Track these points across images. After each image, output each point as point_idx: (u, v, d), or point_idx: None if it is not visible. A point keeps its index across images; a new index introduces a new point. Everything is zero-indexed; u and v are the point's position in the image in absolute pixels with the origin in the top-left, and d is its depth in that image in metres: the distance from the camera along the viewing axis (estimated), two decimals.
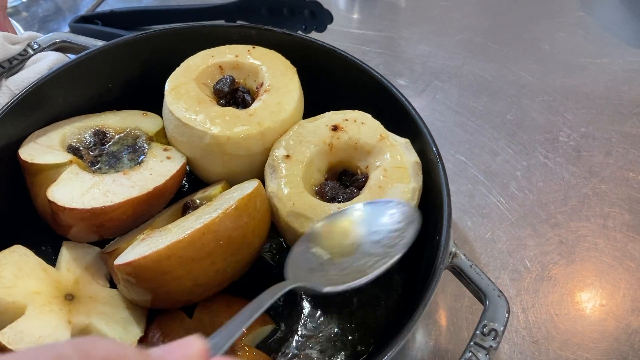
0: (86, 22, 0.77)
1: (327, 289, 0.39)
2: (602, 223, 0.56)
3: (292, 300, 0.49)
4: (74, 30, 0.77)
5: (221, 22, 0.75)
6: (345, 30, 0.80)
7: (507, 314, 0.40)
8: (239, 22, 0.57)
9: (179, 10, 0.79)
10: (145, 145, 0.53)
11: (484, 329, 0.39)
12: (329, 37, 0.61)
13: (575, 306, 0.51)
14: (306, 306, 0.49)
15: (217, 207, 0.45)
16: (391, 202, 0.44)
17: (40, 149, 0.51)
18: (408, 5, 0.85)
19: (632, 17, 0.78)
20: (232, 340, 0.31)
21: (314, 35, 0.69)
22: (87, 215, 0.46)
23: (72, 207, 0.45)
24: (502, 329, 0.39)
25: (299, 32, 0.73)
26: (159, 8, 0.80)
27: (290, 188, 0.47)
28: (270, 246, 0.53)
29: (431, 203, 0.46)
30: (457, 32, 0.79)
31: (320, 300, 0.49)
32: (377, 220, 0.43)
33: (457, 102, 0.69)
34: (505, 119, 0.66)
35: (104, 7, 0.90)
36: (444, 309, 0.51)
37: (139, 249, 0.43)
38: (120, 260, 0.43)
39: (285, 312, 0.49)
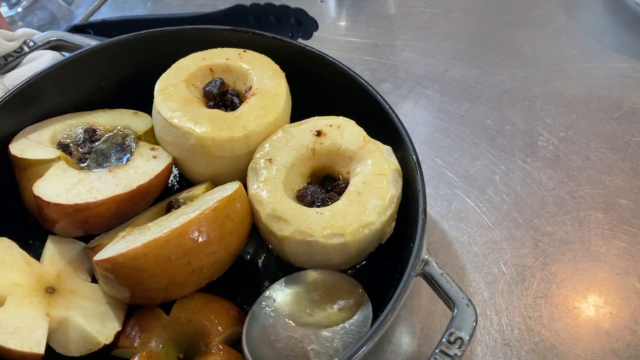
0: (78, 32, 0.73)
1: None
2: (577, 227, 0.53)
3: None
4: None
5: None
6: (332, 38, 0.76)
7: (474, 323, 0.37)
8: (230, 27, 0.54)
9: (169, 19, 0.75)
10: (133, 144, 0.50)
11: (450, 337, 0.36)
12: (316, 44, 0.57)
13: (547, 309, 0.48)
14: None
15: (196, 207, 0.41)
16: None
17: (31, 145, 0.48)
18: (394, 13, 0.80)
19: (614, 23, 0.74)
20: None
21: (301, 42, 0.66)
22: (71, 211, 0.43)
23: (56, 202, 0.42)
24: (467, 338, 0.36)
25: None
26: (149, 17, 0.76)
27: (270, 191, 0.44)
28: (250, 246, 0.49)
29: (410, 210, 0.43)
30: (441, 38, 0.75)
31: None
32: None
33: (439, 108, 0.65)
34: (486, 124, 0.62)
35: (97, 17, 0.87)
36: (419, 312, 0.47)
37: (118, 245, 0.40)
38: (99, 256, 0.40)
39: None
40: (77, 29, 0.75)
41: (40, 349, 0.38)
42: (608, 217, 0.53)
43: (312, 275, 0.43)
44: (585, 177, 0.56)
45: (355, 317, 0.40)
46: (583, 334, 0.46)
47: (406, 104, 0.65)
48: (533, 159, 0.58)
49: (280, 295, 0.42)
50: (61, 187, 0.44)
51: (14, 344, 0.37)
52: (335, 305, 0.42)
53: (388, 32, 0.77)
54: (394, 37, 0.76)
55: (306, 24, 0.69)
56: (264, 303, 0.41)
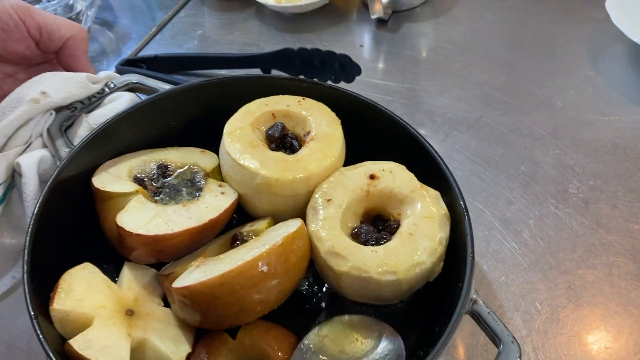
0: (131, 65, 0.78)
1: None
2: (607, 271, 0.55)
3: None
4: (119, 72, 0.77)
5: (256, 72, 0.75)
6: (371, 81, 0.81)
7: (518, 359, 0.40)
8: (290, 77, 0.58)
9: (219, 58, 0.79)
10: (202, 180, 0.54)
11: None
12: (356, 87, 0.61)
13: (581, 347, 0.50)
14: None
15: (265, 242, 0.45)
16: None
17: (111, 178, 0.52)
18: (429, 59, 0.85)
19: (638, 77, 0.77)
20: None
21: (342, 85, 0.70)
22: (150, 241, 0.46)
23: (137, 232, 0.46)
24: None
25: (329, 82, 0.73)
26: (199, 55, 0.81)
27: (328, 229, 0.48)
28: (305, 279, 0.53)
29: (456, 252, 0.46)
30: (475, 86, 0.79)
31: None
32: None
33: (474, 152, 0.69)
34: (519, 170, 0.66)
35: (146, 51, 0.92)
36: (462, 346, 0.50)
37: (195, 274, 0.44)
38: (178, 283, 0.44)
39: None
40: (129, 63, 0.80)
41: None
42: (636, 264, 0.56)
43: (342, 320, 0.47)
44: (614, 224, 0.59)
45: (381, 345, 0.44)
46: None
47: (443, 147, 0.69)
48: (564, 206, 0.61)
49: (315, 341, 0.46)
50: (141, 219, 0.47)
51: None
52: (365, 340, 0.45)
53: (424, 78, 0.81)
54: (429, 82, 0.80)
55: (349, 69, 0.73)
56: (302, 349, 0.45)
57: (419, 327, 0.49)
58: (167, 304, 0.48)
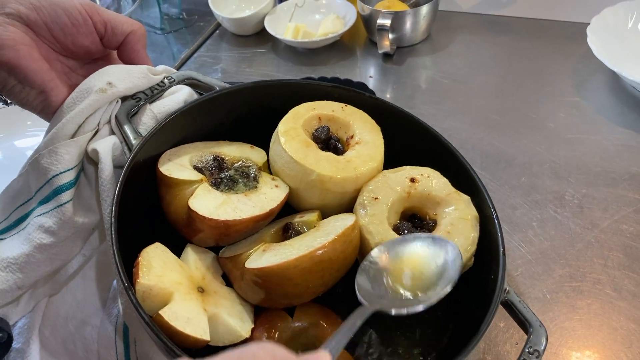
0: None
1: (394, 312, 0.43)
2: (603, 263, 0.63)
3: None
4: None
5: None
6: None
7: (545, 340, 0.46)
8: (334, 84, 0.63)
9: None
10: (256, 174, 0.57)
11: (530, 349, 0.45)
12: None
13: (585, 328, 0.57)
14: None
15: (328, 232, 0.49)
16: (446, 242, 0.48)
17: (175, 166, 0.54)
18: (432, 88, 0.92)
19: (617, 102, 0.86)
20: (342, 347, 0.37)
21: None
22: (221, 225, 0.49)
23: (210, 217, 0.49)
24: (542, 349, 0.45)
25: None
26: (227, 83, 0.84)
27: (377, 224, 0.52)
28: None
29: (485, 250, 0.52)
30: (475, 111, 0.86)
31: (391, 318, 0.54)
32: (435, 254, 0.47)
33: (480, 166, 0.76)
34: (521, 181, 0.73)
35: None
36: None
37: (266, 257, 0.48)
38: (252, 264, 0.47)
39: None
40: None
41: (207, 337, 0.44)
42: (627, 256, 0.64)
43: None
44: (606, 225, 0.67)
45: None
46: (615, 345, 0.56)
47: None
48: (562, 210, 0.69)
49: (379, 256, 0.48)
50: (211, 205, 0.50)
51: (190, 331, 0.43)
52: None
53: (429, 104, 0.88)
54: (434, 108, 0.87)
55: None
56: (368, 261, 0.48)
57: (451, 319, 0.55)
58: (227, 284, 0.52)
